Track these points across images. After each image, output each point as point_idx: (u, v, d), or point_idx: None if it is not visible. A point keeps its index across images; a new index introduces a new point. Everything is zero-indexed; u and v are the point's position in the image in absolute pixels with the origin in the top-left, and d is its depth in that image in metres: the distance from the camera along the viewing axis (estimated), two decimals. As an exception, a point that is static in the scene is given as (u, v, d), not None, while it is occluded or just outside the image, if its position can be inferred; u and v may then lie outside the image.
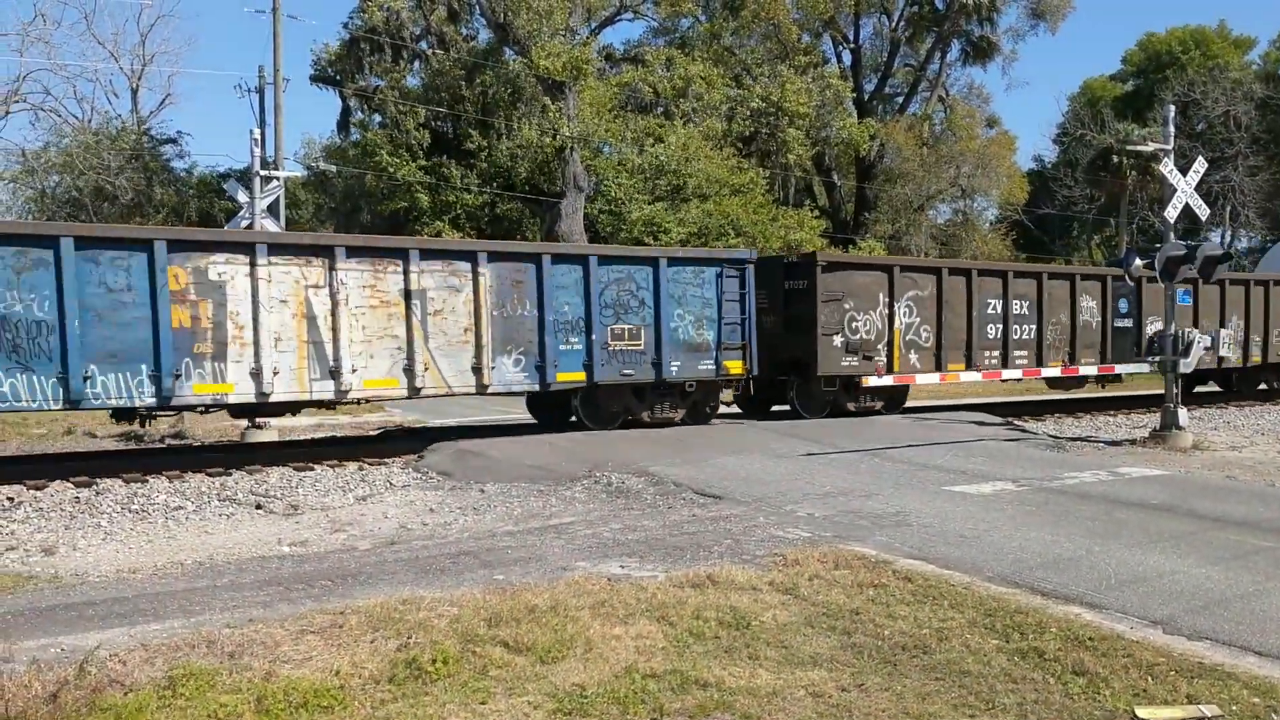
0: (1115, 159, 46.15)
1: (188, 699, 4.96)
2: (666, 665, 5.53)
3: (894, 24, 49.48)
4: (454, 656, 5.53)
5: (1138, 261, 16.44)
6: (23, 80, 25.43)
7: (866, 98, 49.73)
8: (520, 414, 18.80)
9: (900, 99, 51.67)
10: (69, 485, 11.87)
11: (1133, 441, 15.91)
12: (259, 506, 11.06)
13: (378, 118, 37.89)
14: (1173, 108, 17.65)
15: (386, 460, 13.82)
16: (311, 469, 13.14)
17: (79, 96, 58.98)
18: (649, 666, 5.50)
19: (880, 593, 6.96)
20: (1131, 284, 18.93)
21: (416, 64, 38.51)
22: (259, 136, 26.83)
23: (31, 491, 11.53)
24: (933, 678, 5.39)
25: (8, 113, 23.84)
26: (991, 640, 5.98)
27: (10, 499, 11.14)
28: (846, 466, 12.93)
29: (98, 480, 12.09)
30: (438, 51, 36.54)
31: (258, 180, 24.42)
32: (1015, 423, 18.69)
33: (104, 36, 51.68)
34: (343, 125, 40.07)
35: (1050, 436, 16.89)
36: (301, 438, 18.02)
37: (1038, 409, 21.80)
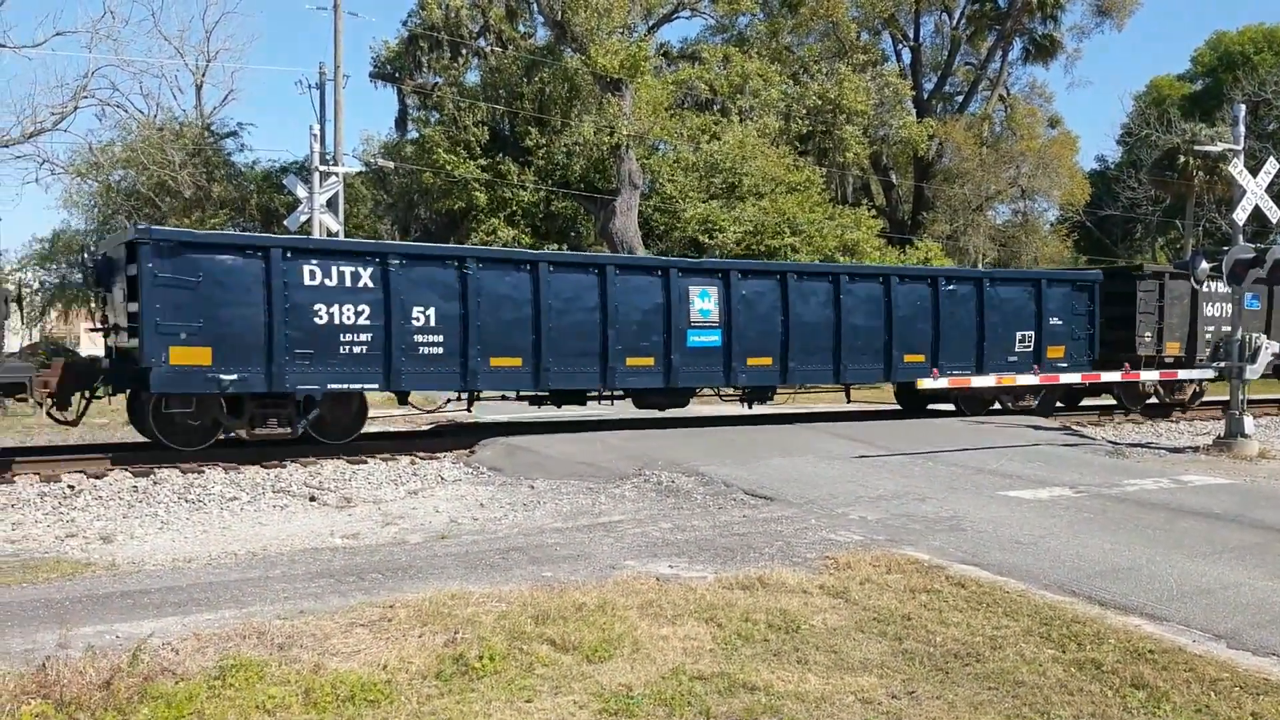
0: (1182, 159, 45.20)
1: (237, 689, 5.00)
2: (714, 667, 5.47)
3: (955, 22, 48.92)
4: (501, 653, 5.52)
5: (1204, 265, 16.06)
6: (91, 76, 26.11)
7: (926, 96, 49.23)
8: (572, 412, 18.79)
9: (960, 98, 51.09)
10: (128, 474, 12.08)
11: (1195, 449, 15.55)
12: (312, 499, 11.17)
13: (435, 115, 38.15)
14: (1243, 107, 17.23)
15: (438, 455, 13.89)
16: (365, 462, 13.25)
17: (145, 92, 60.23)
18: (696, 668, 5.45)
19: (933, 598, 6.85)
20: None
21: (475, 61, 38.72)
22: (318, 132, 27.16)
23: (92, 480, 11.74)
24: (986, 687, 5.28)
25: (76, 108, 24.40)
26: (1047, 650, 5.84)
27: (71, 487, 11.35)
28: (899, 469, 12.77)
29: (156, 470, 12.28)
30: (496, 49, 36.71)
31: (316, 176, 24.66)
32: (1073, 427, 18.36)
33: (170, 33, 52.66)
34: (401, 122, 40.39)
35: (1109, 442, 16.56)
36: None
37: (1096, 414, 21.40)
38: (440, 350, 14.26)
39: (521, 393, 15.69)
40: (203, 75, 42.16)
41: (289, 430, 13.69)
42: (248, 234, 22.32)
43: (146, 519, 10.12)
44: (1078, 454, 14.69)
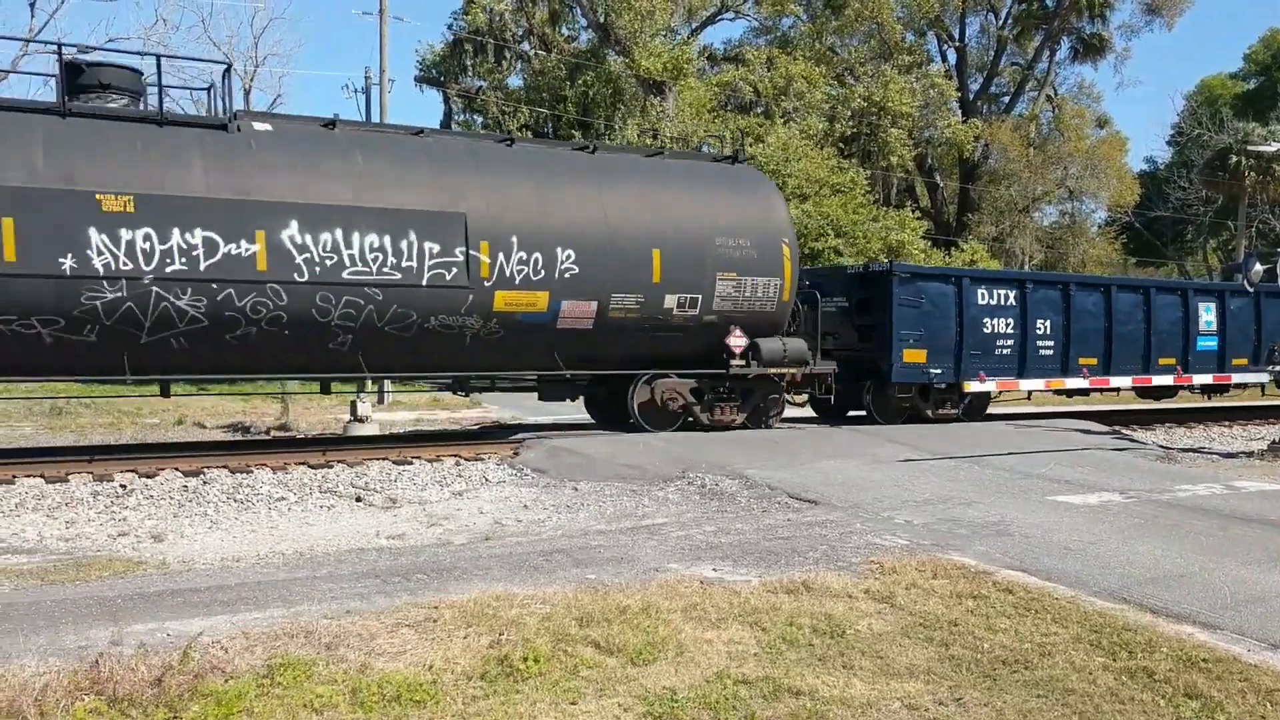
0: (1234, 160, 44.46)
1: (285, 688, 5.05)
2: (759, 671, 5.45)
3: (1001, 22, 48.46)
4: (545, 655, 5.53)
5: (1258, 267, 15.79)
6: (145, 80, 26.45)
7: (971, 97, 48.79)
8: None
9: (1006, 98, 50.59)
10: (178, 474, 12.24)
11: (1249, 454, 15.28)
12: (358, 499, 11.26)
13: (480, 118, 38.40)
14: (1298, 107, 16.90)
15: (483, 456, 13.96)
16: (410, 463, 13.34)
17: (195, 100, 60.94)
18: (741, 672, 5.43)
19: (980, 604, 6.78)
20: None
21: (518, 64, 38.95)
22: (364, 136, 27.30)
23: (143, 479, 11.91)
24: (1034, 694, 5.21)
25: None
26: (1097, 657, 5.76)
27: (123, 486, 11.53)
28: (945, 473, 12.66)
29: (205, 470, 12.45)
30: (539, 52, 36.89)
31: (362, 179, 24.87)
32: (1123, 432, 18.11)
33: (219, 39, 53.29)
34: (446, 125, 40.71)
35: (1160, 447, 16.32)
36: (401, 432, 18.32)
37: (1146, 418, 21.09)
38: (1050, 352, 19.32)
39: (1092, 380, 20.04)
40: (251, 80, 42.72)
41: (957, 411, 18.47)
42: (947, 267, 30.10)
43: (196, 518, 10.26)
44: (1127, 458, 14.48)
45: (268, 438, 17.81)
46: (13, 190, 11.34)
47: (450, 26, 39.89)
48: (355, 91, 34.13)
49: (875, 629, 6.24)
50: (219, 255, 12.21)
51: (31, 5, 22.73)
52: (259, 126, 13.32)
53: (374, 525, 9.93)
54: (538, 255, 13.94)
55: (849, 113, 38.95)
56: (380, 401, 24.05)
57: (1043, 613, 6.58)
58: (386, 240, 13.08)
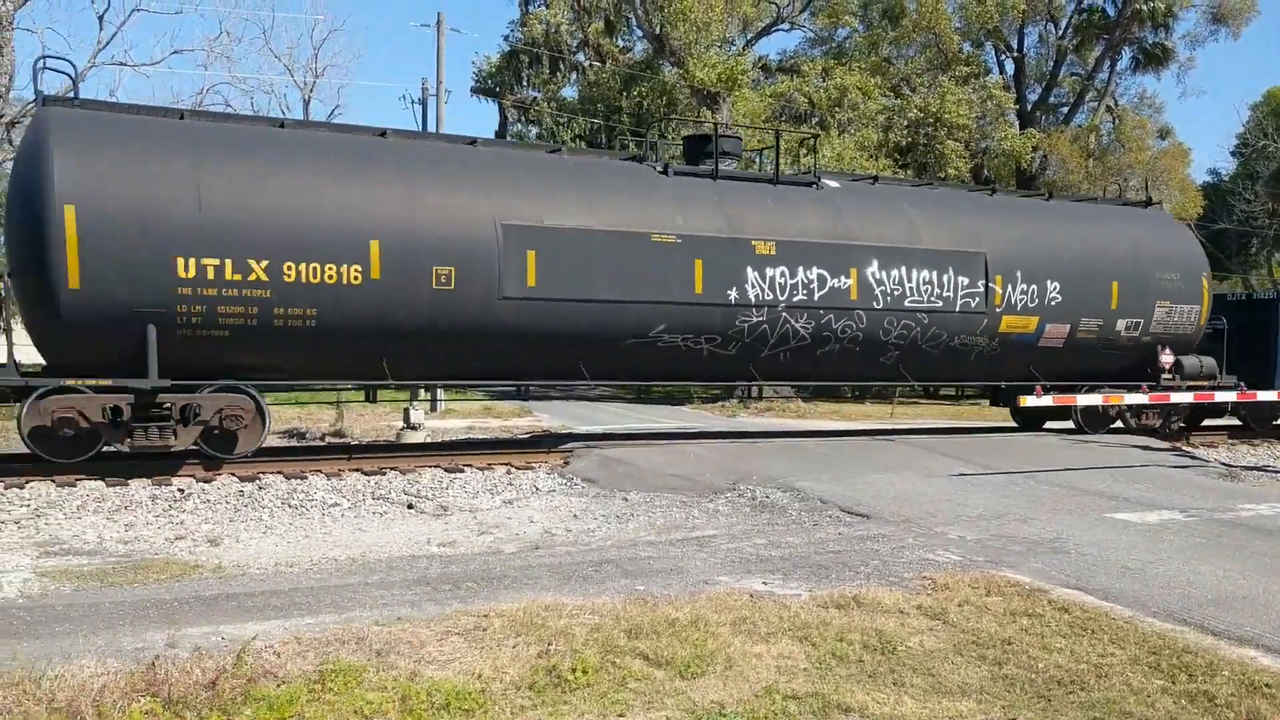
0: (1301, 171, 43.45)
1: (336, 694, 5.09)
2: (808, 687, 5.41)
3: (1061, 32, 47.81)
4: (593, 666, 5.53)
5: None
6: (206, 93, 27.05)
7: (1029, 108, 48.18)
8: (666, 421, 18.78)
9: (1065, 109, 49.87)
10: (235, 479, 12.42)
11: (1316, 473, 14.90)
12: (410, 506, 11.36)
13: (535, 128, 38.66)
14: (1368, 117, 16.51)
15: (533, 465, 14.02)
16: (461, 471, 13.43)
17: (255, 108, 62.04)
18: (790, 687, 5.39)
19: (1034, 623, 6.67)
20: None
21: (573, 75, 39.17)
22: (421, 146, 27.62)
23: (200, 484, 12.10)
24: (1090, 716, 5.12)
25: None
26: (1156, 680, 5.64)
27: (181, 490, 11.73)
28: (999, 488, 12.49)
29: (261, 475, 12.62)
30: (595, 63, 37.08)
31: (418, 189, 25.13)
32: (1183, 448, 17.74)
33: (280, 51, 54.29)
34: (501, 135, 41.04)
35: (1223, 464, 15.97)
36: (453, 440, 18.44)
37: (1209, 434, 20.64)
38: None
39: None
40: (310, 91, 43.38)
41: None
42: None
43: (252, 523, 10.40)
44: (1187, 476, 14.19)
45: (322, 444, 18.01)
46: (703, 239, 14.72)
47: (506, 38, 40.32)
48: (412, 102, 34.61)
49: (927, 646, 6.16)
50: (826, 288, 15.61)
51: (100, 18, 23.36)
52: (831, 183, 16.76)
53: (425, 532, 10.00)
54: (1034, 286, 17.29)
55: (904, 123, 38.68)
56: (433, 409, 24.26)
57: (1099, 633, 6.46)
58: (933, 275, 16.42)
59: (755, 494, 11.85)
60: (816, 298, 15.53)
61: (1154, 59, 46.56)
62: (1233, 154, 57.08)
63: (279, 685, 5.18)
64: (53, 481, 11.72)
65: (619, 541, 9.51)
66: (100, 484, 11.77)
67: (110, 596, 7.08)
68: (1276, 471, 15.37)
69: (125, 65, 23.66)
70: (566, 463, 14.05)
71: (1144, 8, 43.70)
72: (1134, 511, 11.07)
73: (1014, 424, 20.40)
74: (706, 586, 7.48)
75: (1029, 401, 15.67)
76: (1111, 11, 46.04)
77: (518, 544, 9.42)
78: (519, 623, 6.33)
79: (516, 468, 13.85)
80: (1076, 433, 18.30)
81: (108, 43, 26.84)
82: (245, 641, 5.69)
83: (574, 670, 5.44)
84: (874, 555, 8.75)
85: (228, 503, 11.28)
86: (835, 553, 8.84)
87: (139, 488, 11.71)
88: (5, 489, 11.44)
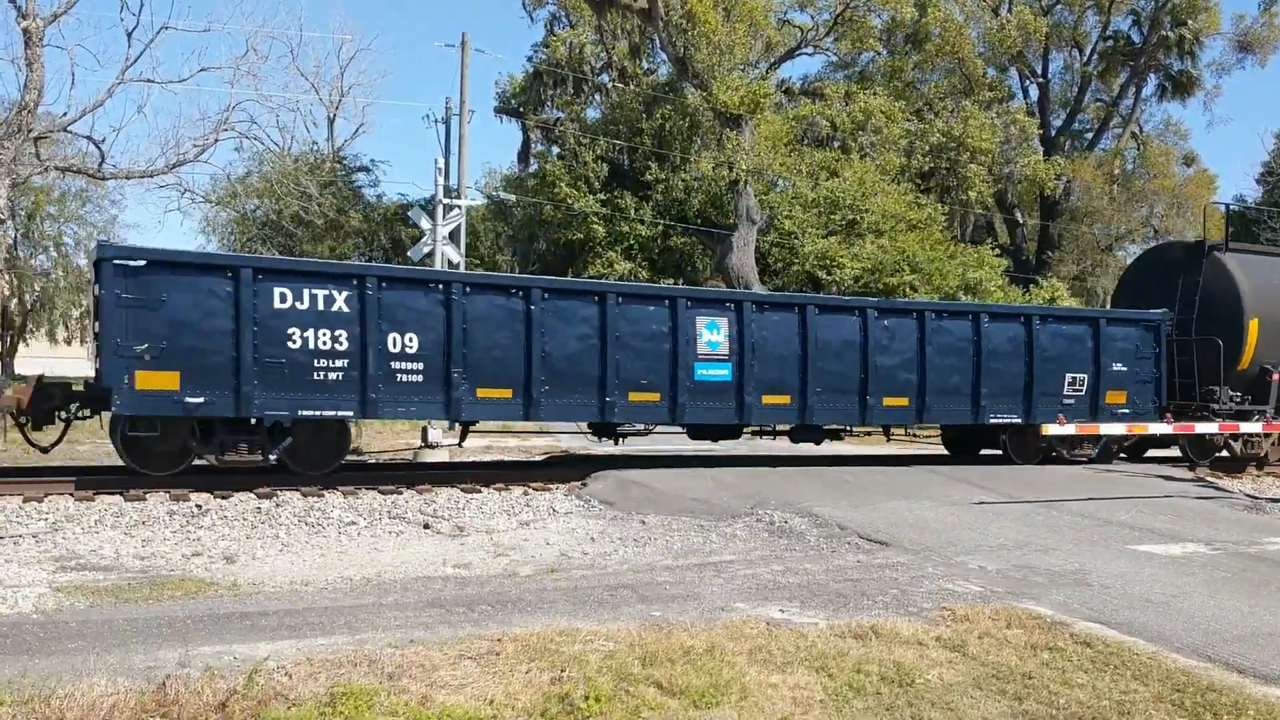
0: (1328, 202, 43.10)
1: (346, 718, 5.04)
2: (824, 719, 5.32)
3: (1086, 58, 47.72)
4: (606, 694, 5.46)
5: None
6: (232, 110, 27.29)
7: (1053, 133, 48.05)
8: (683, 445, 18.71)
9: (1090, 135, 49.71)
10: (252, 496, 12.43)
11: (1343, 506, 14.67)
12: (426, 526, 11.32)
13: (557, 149, 38.77)
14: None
15: (551, 486, 13.97)
16: (478, 492, 13.39)
17: (280, 126, 62.51)
18: (805, 719, 5.31)
19: (1055, 656, 6.56)
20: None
21: (596, 97, 39.29)
22: (443, 166, 27.82)
23: (218, 500, 12.11)
24: (1113, 755, 5.01)
25: (216, 140, 25.55)
26: (1180, 718, 5.53)
27: (199, 507, 11.73)
28: (1020, 518, 12.35)
29: (278, 492, 12.61)
30: (618, 85, 37.18)
31: (440, 209, 25.23)
32: (1207, 479, 17.53)
33: (306, 69, 54.66)
34: (523, 156, 41.21)
35: (1248, 496, 15.76)
36: (471, 460, 18.42)
37: (1232, 465, 20.40)
38: None
39: None
40: (336, 109, 43.68)
41: None
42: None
43: (268, 541, 10.39)
44: (1212, 508, 14.00)
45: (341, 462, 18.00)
46: None
47: (530, 59, 40.44)
48: (435, 121, 34.89)
49: (946, 679, 6.07)
50: None
51: (129, 35, 23.54)
52: None
53: (441, 553, 9.96)
54: None
55: (927, 148, 38.59)
56: (451, 428, 24.23)
57: (1122, 668, 6.34)
58: None
59: (773, 519, 11.76)
60: None
61: (1180, 86, 46.37)
62: (1258, 182, 56.73)
63: (290, 707, 5.13)
64: (71, 496, 11.76)
65: (635, 566, 9.44)
66: (119, 499, 11.80)
67: (124, 613, 7.06)
68: (1303, 504, 15.15)
69: (153, 82, 23.78)
70: (584, 484, 14.00)
71: (1170, 35, 43.60)
72: (1157, 543, 10.92)
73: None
74: (723, 613, 7.41)
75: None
76: (1137, 39, 45.93)
77: (533, 567, 9.37)
78: (532, 648, 6.27)
79: (534, 489, 13.80)
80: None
81: (136, 59, 27.00)
82: (258, 662, 5.66)
83: (587, 698, 5.38)
84: (893, 584, 8.64)
85: (245, 520, 11.28)
86: (853, 581, 8.74)
87: (157, 503, 11.73)
88: (24, 503, 11.48)
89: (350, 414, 13.48)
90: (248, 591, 8.05)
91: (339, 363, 13.19)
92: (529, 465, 16.91)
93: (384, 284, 13.50)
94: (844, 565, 9.45)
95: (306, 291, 13.05)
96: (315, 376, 13.08)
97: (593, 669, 5.88)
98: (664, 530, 11.32)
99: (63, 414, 13.31)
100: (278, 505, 11.98)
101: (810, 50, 40.87)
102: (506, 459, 18.92)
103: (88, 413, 13.39)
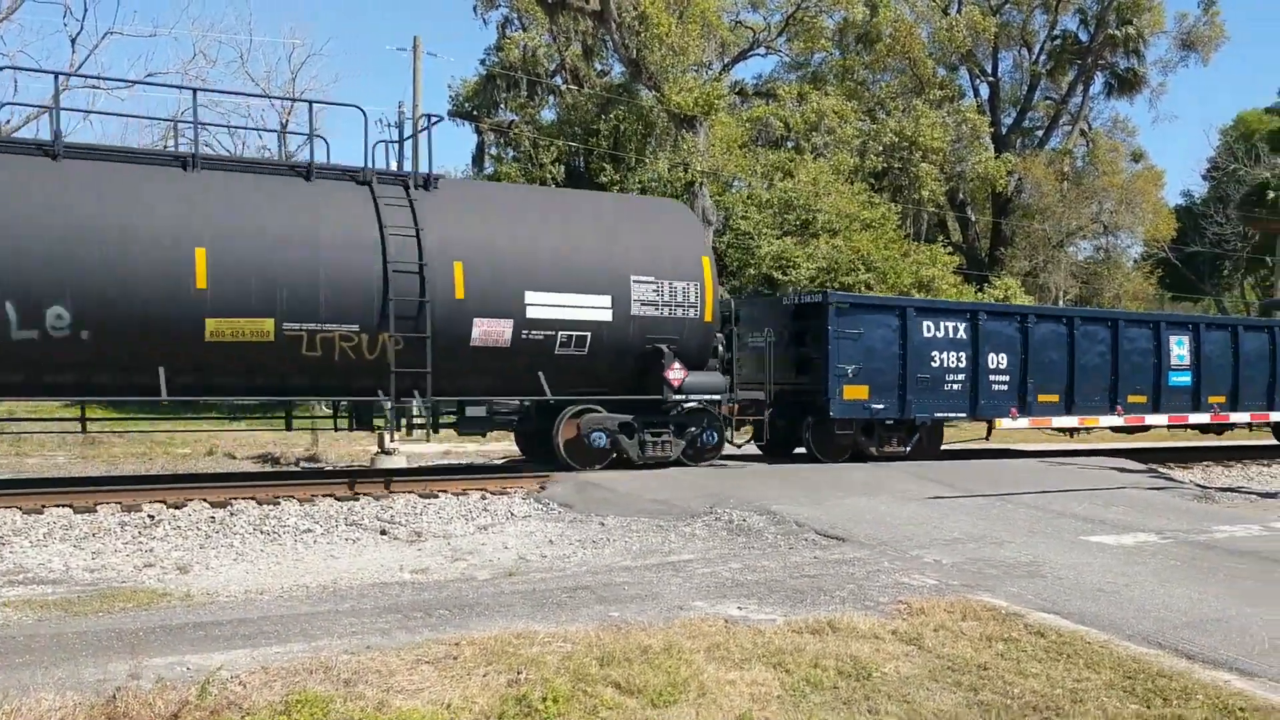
0: (1271, 194, 43.99)
1: (301, 725, 5.00)
2: (781, 714, 5.35)
3: (1034, 57, 48.34)
4: (564, 695, 5.45)
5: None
6: (181, 115, 26.82)
7: (1004, 132, 48.60)
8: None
9: (1040, 133, 50.35)
10: (206, 504, 12.28)
11: (1289, 494, 14.98)
12: (383, 532, 11.24)
13: (512, 152, 38.68)
14: (1335, 142, 16.72)
15: (509, 490, 13.92)
16: (436, 497, 13.32)
17: (231, 131, 61.78)
18: (763, 715, 5.33)
19: (1010, 647, 6.63)
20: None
21: (551, 99, 39.23)
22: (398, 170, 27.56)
23: (171, 510, 11.95)
24: (1066, 743, 5.08)
25: (165, 147, 25.22)
26: (1131, 705, 5.61)
27: (151, 517, 11.57)
28: (976, 511, 12.48)
29: (233, 501, 12.48)
30: (572, 87, 37.16)
31: (395, 212, 24.99)
32: (1159, 470, 17.82)
33: (257, 75, 54.04)
34: (478, 159, 41.01)
35: (1197, 486, 16.04)
36: (428, 465, 18.33)
37: (1184, 456, 20.77)
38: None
39: None
40: (288, 114, 43.23)
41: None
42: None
43: (222, 549, 10.27)
44: (1164, 498, 14.23)
45: (296, 469, 17.87)
46: None
47: (483, 62, 40.29)
48: (388, 126, 34.70)
49: (902, 672, 6.12)
50: None
51: (73, 41, 23.18)
52: None
53: (398, 559, 9.89)
54: None
55: (880, 147, 38.90)
56: (409, 433, 24.07)
57: (1075, 657, 6.43)
58: None
59: (732, 518, 11.80)
60: None
61: (1126, 84, 47.12)
62: (1204, 177, 57.79)
63: (244, 717, 5.08)
64: (19, 509, 11.55)
65: (594, 567, 9.43)
66: (68, 511, 11.61)
67: (74, 626, 6.94)
68: (1250, 493, 15.45)
69: (98, 88, 23.44)
70: (543, 487, 13.97)
71: (1116, 34, 44.30)
72: (1110, 534, 11.08)
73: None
74: (681, 612, 7.42)
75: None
76: (1084, 37, 46.62)
77: (491, 570, 9.33)
78: (490, 651, 6.24)
79: (492, 493, 13.75)
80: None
81: (81, 65, 26.68)
82: (211, 672, 5.59)
83: (544, 699, 5.36)
84: (850, 579, 8.70)
85: (198, 529, 11.14)
86: (811, 577, 8.79)
87: (108, 514, 11.56)
88: (-29, 517, 11.25)
89: (963, 415, 18.56)
90: (201, 601, 7.95)
91: (959, 377, 18.17)
92: (487, 469, 16.85)
93: (986, 316, 18.70)
94: (801, 562, 9.50)
95: (941, 324, 18.06)
96: (946, 388, 18.04)
97: (550, 670, 5.87)
98: (623, 531, 11.32)
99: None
100: (232, 514, 11.84)
101: (763, 51, 41.11)
102: (464, 463, 18.84)
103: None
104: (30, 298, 11.69)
